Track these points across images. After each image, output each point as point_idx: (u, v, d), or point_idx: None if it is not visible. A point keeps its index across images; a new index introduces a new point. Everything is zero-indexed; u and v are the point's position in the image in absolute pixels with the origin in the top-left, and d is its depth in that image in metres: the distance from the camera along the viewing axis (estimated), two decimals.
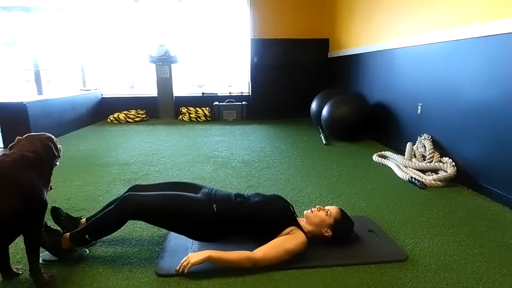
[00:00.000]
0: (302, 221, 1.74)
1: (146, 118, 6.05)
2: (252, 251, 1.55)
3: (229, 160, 3.40)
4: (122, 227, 1.60)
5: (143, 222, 1.70)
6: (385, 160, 3.27)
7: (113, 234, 1.67)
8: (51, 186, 1.48)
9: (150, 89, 6.39)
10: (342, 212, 1.74)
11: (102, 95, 6.15)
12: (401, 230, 1.94)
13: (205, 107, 6.05)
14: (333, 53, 5.82)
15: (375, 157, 3.39)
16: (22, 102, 3.97)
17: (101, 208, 1.84)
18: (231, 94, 6.43)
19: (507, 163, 2.27)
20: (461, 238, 1.85)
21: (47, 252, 1.57)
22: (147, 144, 4.13)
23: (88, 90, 5.96)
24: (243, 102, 6.15)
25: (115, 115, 5.84)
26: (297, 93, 6.13)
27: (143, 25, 6.34)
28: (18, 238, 1.34)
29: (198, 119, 5.93)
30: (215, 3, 6.23)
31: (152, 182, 2.73)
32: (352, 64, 4.97)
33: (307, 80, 6.13)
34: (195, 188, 1.81)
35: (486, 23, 2.41)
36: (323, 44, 6.06)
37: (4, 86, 7.53)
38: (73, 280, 1.48)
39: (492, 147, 2.40)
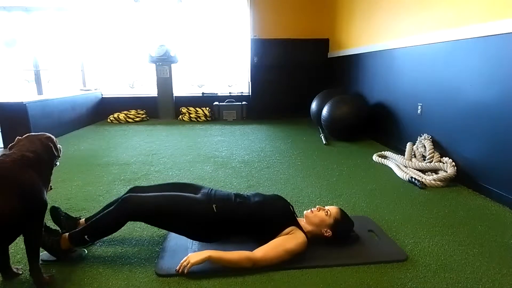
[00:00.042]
0: (302, 221, 1.74)
1: (146, 118, 6.05)
2: (252, 251, 1.55)
3: (229, 160, 3.40)
4: (121, 228, 1.60)
5: (143, 222, 1.70)
6: (385, 160, 3.27)
7: (113, 234, 1.67)
8: (51, 186, 1.48)
9: (150, 89, 6.39)
10: (342, 212, 1.74)
11: (102, 95, 6.15)
12: (401, 230, 1.94)
13: (205, 107, 6.05)
14: (333, 53, 5.82)
15: (375, 157, 3.39)
16: (22, 102, 3.97)
17: (101, 208, 1.84)
18: (231, 94, 6.42)
19: (507, 163, 2.27)
20: (461, 238, 1.85)
21: (45, 252, 1.57)
22: (147, 144, 4.13)
23: (88, 90, 5.96)
24: (243, 102, 6.15)
25: (115, 115, 5.84)
26: (297, 93, 6.13)
27: (143, 25, 6.34)
28: (18, 238, 1.34)
29: (198, 119, 5.93)
30: (215, 3, 6.23)
31: (152, 182, 2.73)
32: (352, 64, 4.97)
33: (307, 80, 6.13)
34: (194, 188, 1.81)
35: (486, 23, 2.41)
36: (323, 44, 6.06)
37: (4, 86, 7.53)
38: (73, 280, 1.48)
39: (492, 147, 2.40)
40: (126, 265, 1.59)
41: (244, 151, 3.76)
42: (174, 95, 6.15)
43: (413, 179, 2.69)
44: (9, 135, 3.92)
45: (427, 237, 1.86)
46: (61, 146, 1.58)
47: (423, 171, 2.86)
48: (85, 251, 1.68)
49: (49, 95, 4.97)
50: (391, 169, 3.06)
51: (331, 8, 5.77)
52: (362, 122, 4.14)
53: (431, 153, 2.88)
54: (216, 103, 6.11)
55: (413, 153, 3.11)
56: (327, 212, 1.71)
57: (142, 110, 6.09)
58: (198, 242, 1.74)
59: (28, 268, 1.38)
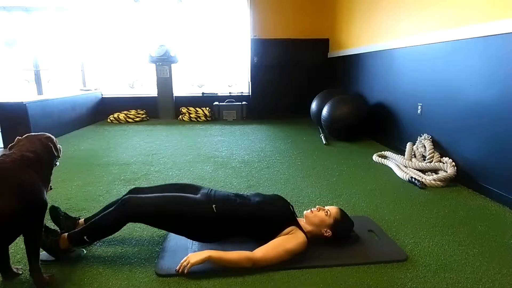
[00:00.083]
0: (302, 221, 1.74)
1: (146, 118, 6.05)
2: (252, 251, 1.55)
3: (229, 160, 3.40)
4: (121, 229, 1.60)
5: (143, 224, 1.71)
6: (385, 160, 3.27)
7: (112, 234, 1.67)
8: (51, 186, 1.48)
9: (150, 89, 6.39)
10: (342, 212, 1.74)
11: (102, 95, 6.15)
12: (401, 230, 1.94)
13: (205, 107, 6.05)
14: (333, 53, 5.82)
15: (375, 157, 3.39)
16: (22, 102, 3.97)
17: (100, 209, 1.84)
18: (231, 94, 6.42)
19: (507, 163, 2.27)
20: (461, 238, 1.85)
21: (44, 252, 1.57)
22: (147, 144, 4.14)
23: (88, 90, 5.96)
24: (243, 102, 6.15)
25: (115, 115, 5.84)
26: (297, 93, 6.13)
27: (143, 25, 6.34)
28: (18, 238, 1.34)
29: (198, 119, 5.93)
30: (215, 3, 6.23)
31: (152, 182, 2.73)
32: (352, 64, 4.97)
33: (307, 80, 6.13)
34: (194, 189, 1.81)
35: (486, 23, 2.41)
36: (323, 44, 6.06)
37: (4, 86, 7.53)
38: (73, 280, 1.48)
39: (492, 147, 2.40)
40: (126, 265, 1.59)
41: (244, 151, 3.76)
42: (174, 95, 6.15)
43: (413, 179, 2.69)
44: (9, 135, 3.92)
45: (427, 237, 1.86)
46: (61, 146, 1.58)
47: (423, 171, 2.86)
48: (83, 251, 1.68)
49: (49, 95, 4.97)
50: (391, 169, 3.06)
51: (331, 8, 5.77)
52: (362, 122, 4.14)
53: (431, 153, 2.88)
54: (216, 103, 6.11)
55: (413, 153, 3.11)
56: (327, 212, 1.71)
57: (142, 110, 6.09)
58: (198, 242, 1.74)
59: (28, 268, 1.38)
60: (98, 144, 4.13)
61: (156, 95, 6.09)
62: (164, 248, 1.71)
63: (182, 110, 6.04)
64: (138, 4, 6.04)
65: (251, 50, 6.01)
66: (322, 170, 3.07)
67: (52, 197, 2.34)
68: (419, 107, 3.28)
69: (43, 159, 1.42)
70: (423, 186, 2.61)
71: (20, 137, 1.47)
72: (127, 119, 5.83)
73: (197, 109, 6.02)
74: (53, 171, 1.50)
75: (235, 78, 6.78)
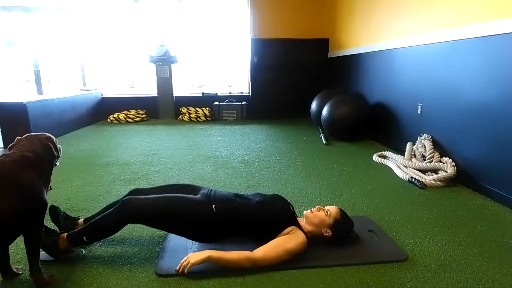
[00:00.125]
0: (302, 221, 1.74)
1: (146, 118, 6.05)
2: (252, 251, 1.55)
3: (229, 160, 3.40)
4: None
5: (144, 225, 1.71)
6: (385, 160, 3.27)
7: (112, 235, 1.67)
8: (50, 186, 1.48)
9: (150, 89, 6.39)
10: (342, 212, 1.74)
11: (102, 95, 6.15)
12: (401, 230, 1.94)
13: (205, 107, 6.05)
14: (333, 53, 5.82)
15: (375, 157, 3.39)
16: (22, 102, 3.97)
17: (100, 209, 1.84)
18: (231, 94, 6.42)
19: (507, 163, 2.27)
20: (461, 238, 1.85)
21: (43, 252, 1.57)
22: (147, 144, 4.14)
23: (88, 90, 5.96)
24: (243, 102, 6.15)
25: (115, 115, 5.84)
26: (297, 93, 6.13)
27: (143, 25, 6.34)
28: (18, 238, 1.34)
29: (198, 119, 5.93)
30: (215, 3, 6.23)
31: (152, 182, 2.74)
32: (352, 64, 4.97)
33: (307, 80, 6.13)
34: (194, 189, 1.81)
35: (486, 23, 2.41)
36: (323, 44, 6.06)
37: (4, 86, 7.53)
38: (73, 280, 1.48)
39: (492, 147, 2.40)
40: (126, 265, 1.59)
41: (244, 151, 3.76)
42: (174, 95, 6.15)
43: (413, 179, 2.69)
44: (9, 135, 3.92)
45: (427, 237, 1.86)
46: (61, 146, 1.58)
47: (423, 171, 2.86)
48: (82, 251, 1.68)
49: (49, 95, 4.97)
50: (391, 169, 3.06)
51: (331, 8, 5.77)
52: (362, 122, 4.14)
53: (431, 153, 2.88)
54: (216, 103, 6.11)
55: (413, 153, 3.11)
56: (327, 212, 1.71)
57: (142, 110, 6.09)
58: (198, 242, 1.74)
59: (28, 268, 1.38)
60: (98, 144, 4.13)
61: (156, 95, 6.09)
62: (164, 248, 1.71)
63: (182, 110, 6.04)
64: (138, 4, 6.04)
65: (251, 50, 6.01)
66: (322, 170, 3.07)
67: (52, 197, 2.34)
68: (419, 107, 3.28)
69: (43, 159, 1.42)
70: (423, 186, 2.61)
71: (20, 137, 1.47)
72: (127, 119, 5.83)
73: (197, 109, 6.02)
74: (53, 171, 1.50)
75: (235, 78, 6.78)
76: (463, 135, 2.68)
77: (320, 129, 4.75)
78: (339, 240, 1.72)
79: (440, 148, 2.94)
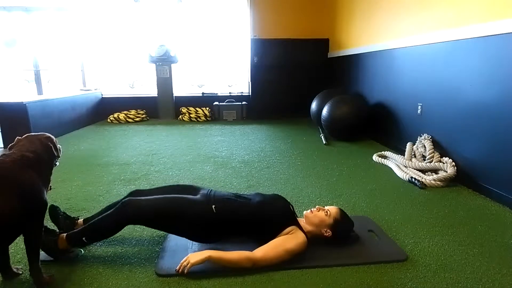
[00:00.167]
0: (302, 221, 1.74)
1: (146, 118, 6.05)
2: (252, 251, 1.55)
3: (229, 160, 3.40)
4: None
5: (144, 226, 1.71)
6: (385, 160, 3.27)
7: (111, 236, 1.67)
8: (50, 186, 1.48)
9: (150, 89, 6.39)
10: (341, 212, 1.74)
11: (102, 95, 6.15)
12: (401, 230, 1.94)
13: (205, 107, 6.05)
14: (333, 53, 5.82)
15: (375, 157, 3.39)
16: (22, 102, 3.97)
17: (100, 209, 1.84)
18: (231, 94, 6.42)
19: (507, 163, 2.27)
20: (461, 238, 1.85)
21: (42, 251, 1.57)
22: (147, 144, 4.14)
23: (88, 90, 5.96)
24: (243, 102, 6.15)
25: (115, 115, 5.84)
26: (297, 93, 6.13)
27: (143, 25, 6.34)
28: (18, 238, 1.34)
29: (198, 119, 5.93)
30: (215, 3, 6.23)
31: (152, 182, 2.74)
32: (352, 64, 4.97)
33: (307, 80, 6.13)
34: (194, 189, 1.81)
35: (486, 23, 2.41)
36: (323, 44, 6.06)
37: (4, 86, 7.53)
38: (73, 280, 1.48)
39: (492, 147, 2.40)
40: (126, 265, 1.59)
41: (244, 151, 3.76)
42: (174, 95, 6.15)
43: (413, 179, 2.69)
44: (9, 135, 3.92)
45: (427, 237, 1.85)
46: (60, 146, 1.58)
47: (423, 171, 2.86)
48: (81, 251, 1.68)
49: (49, 95, 4.97)
50: (391, 169, 3.06)
51: (331, 8, 5.77)
52: (362, 122, 4.14)
53: (431, 153, 2.88)
54: (216, 103, 6.11)
55: (413, 153, 3.11)
56: (326, 212, 1.71)
57: (142, 110, 6.08)
58: (198, 242, 1.74)
59: (28, 268, 1.38)
60: (98, 144, 4.13)
61: (156, 95, 6.09)
62: (164, 248, 1.72)
63: (182, 110, 6.04)
64: (138, 4, 6.04)
65: (251, 50, 6.01)
66: (322, 170, 3.07)
67: (52, 197, 2.34)
68: (419, 107, 3.28)
69: (43, 159, 1.42)
70: (423, 186, 2.61)
71: (20, 137, 1.47)
72: (127, 119, 5.83)
73: (197, 109, 6.02)
74: (53, 171, 1.50)
75: (235, 78, 6.78)
76: (463, 135, 2.68)
77: (320, 129, 4.75)
78: (339, 240, 1.72)
79: (440, 148, 2.94)
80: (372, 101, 4.34)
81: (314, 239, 1.68)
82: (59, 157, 1.55)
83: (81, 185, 2.68)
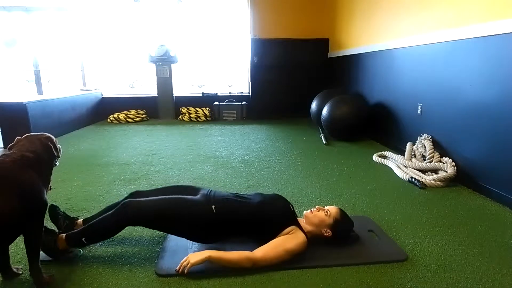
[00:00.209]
0: (302, 221, 1.74)
1: (146, 118, 6.05)
2: (252, 251, 1.55)
3: (229, 160, 3.40)
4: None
5: (144, 227, 1.71)
6: (385, 160, 3.27)
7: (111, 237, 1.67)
8: (50, 186, 1.48)
9: (150, 89, 6.39)
10: (341, 212, 1.74)
11: (102, 95, 6.15)
12: (401, 230, 1.94)
13: (205, 107, 6.05)
14: (333, 53, 5.82)
15: (375, 157, 3.39)
16: (22, 102, 3.97)
17: (100, 210, 1.84)
18: (231, 94, 6.42)
19: (507, 163, 2.27)
20: (461, 238, 1.85)
21: (42, 251, 1.57)
22: (147, 144, 4.14)
23: (88, 90, 5.96)
24: (243, 102, 6.15)
25: (115, 115, 5.84)
26: (297, 93, 6.13)
27: (143, 25, 6.34)
28: (18, 238, 1.34)
29: (198, 119, 5.93)
30: (215, 3, 6.23)
31: (152, 182, 2.73)
32: (352, 64, 4.97)
33: (307, 80, 6.13)
34: (193, 190, 1.81)
35: (486, 23, 2.41)
36: (323, 44, 6.06)
37: (4, 86, 7.53)
38: (73, 280, 1.48)
39: (492, 147, 2.40)
40: (126, 265, 1.59)
41: (244, 151, 3.76)
42: (174, 95, 6.15)
43: (413, 179, 2.69)
44: (9, 135, 3.92)
45: (427, 237, 1.85)
46: (60, 146, 1.58)
47: (423, 171, 2.86)
48: (80, 251, 1.68)
49: (49, 95, 4.97)
50: (391, 169, 3.06)
51: (331, 8, 5.77)
52: (362, 122, 4.14)
53: (431, 153, 2.88)
54: (216, 103, 6.11)
55: (413, 153, 3.11)
56: (326, 212, 1.71)
57: (142, 110, 6.08)
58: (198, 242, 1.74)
59: (28, 268, 1.38)
60: (98, 144, 4.13)
61: (156, 95, 6.09)
62: (164, 248, 1.72)
63: (182, 110, 6.04)
64: (138, 4, 6.04)
65: (251, 50, 6.01)
66: (322, 170, 3.07)
67: (52, 197, 2.34)
68: (419, 107, 3.28)
69: (43, 159, 1.42)
70: (423, 186, 2.61)
71: (20, 137, 1.47)
72: (127, 119, 5.83)
73: (197, 109, 6.02)
74: (53, 171, 1.50)
75: (235, 78, 6.78)
76: (463, 135, 2.68)
77: (320, 129, 4.75)
78: (339, 240, 1.72)
79: (440, 148, 2.94)
80: (372, 101, 4.34)
81: (314, 239, 1.68)
82: (59, 157, 1.55)
83: (81, 185, 2.68)
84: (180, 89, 6.41)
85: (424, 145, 2.99)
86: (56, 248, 1.56)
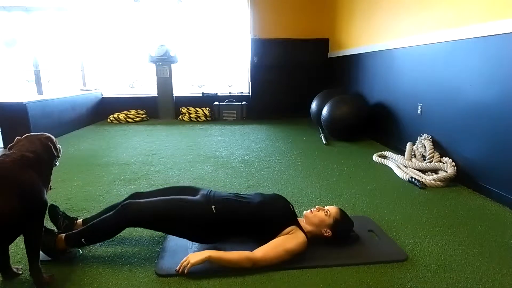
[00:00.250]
0: (302, 221, 1.74)
1: (146, 118, 6.05)
2: (252, 251, 1.55)
3: (229, 160, 3.40)
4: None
5: (144, 228, 1.71)
6: (385, 160, 3.27)
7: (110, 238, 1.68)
8: (50, 186, 1.48)
9: (150, 89, 6.39)
10: (341, 212, 1.74)
11: (102, 95, 6.15)
12: (401, 230, 1.94)
13: (205, 107, 6.05)
14: (333, 53, 5.82)
15: (375, 157, 3.39)
16: (22, 102, 3.97)
17: (100, 211, 1.84)
18: (231, 94, 6.42)
19: (507, 163, 2.27)
20: (461, 238, 1.85)
21: (41, 251, 1.57)
22: (147, 144, 4.13)
23: (88, 90, 5.96)
24: (243, 102, 6.15)
25: (115, 115, 5.84)
26: (297, 93, 6.13)
27: (143, 25, 6.34)
28: (18, 238, 1.34)
29: (198, 119, 5.93)
30: (215, 3, 6.23)
31: (152, 182, 2.74)
32: (352, 64, 4.97)
33: (307, 80, 6.13)
34: (193, 190, 1.81)
35: (486, 23, 2.41)
36: (323, 44, 6.06)
37: (4, 86, 7.53)
38: (73, 280, 1.48)
39: (492, 147, 2.40)
40: (126, 265, 1.59)
41: (244, 151, 3.76)
42: (174, 95, 6.15)
43: (413, 179, 2.69)
44: (9, 135, 3.92)
45: (427, 237, 1.85)
46: (60, 146, 1.58)
47: (423, 171, 2.86)
48: (79, 251, 1.68)
49: (49, 95, 4.97)
50: (391, 169, 3.06)
51: (331, 8, 5.77)
52: (362, 122, 4.14)
53: (431, 153, 2.88)
54: (216, 103, 6.11)
55: (413, 153, 3.11)
56: (326, 212, 1.71)
57: (142, 110, 6.08)
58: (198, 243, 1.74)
59: (28, 268, 1.38)
60: (98, 144, 4.13)
61: (156, 95, 6.09)
62: (164, 248, 1.72)
63: (182, 110, 6.04)
64: (138, 4, 6.04)
65: (251, 50, 6.01)
66: (322, 170, 3.07)
67: (52, 197, 2.34)
68: (419, 107, 3.28)
69: (43, 159, 1.42)
70: (423, 186, 2.61)
71: (20, 137, 1.47)
72: (127, 119, 5.83)
73: (197, 109, 6.02)
74: (53, 171, 1.50)
75: (235, 78, 6.78)
76: (463, 135, 2.68)
77: (320, 129, 4.75)
78: (339, 240, 1.72)
79: (440, 148, 2.94)
80: (372, 101, 4.34)
81: (314, 239, 1.68)
82: (59, 157, 1.55)
83: (81, 185, 2.68)
84: (180, 89, 6.41)
85: (424, 145, 2.99)
86: (55, 248, 1.57)
